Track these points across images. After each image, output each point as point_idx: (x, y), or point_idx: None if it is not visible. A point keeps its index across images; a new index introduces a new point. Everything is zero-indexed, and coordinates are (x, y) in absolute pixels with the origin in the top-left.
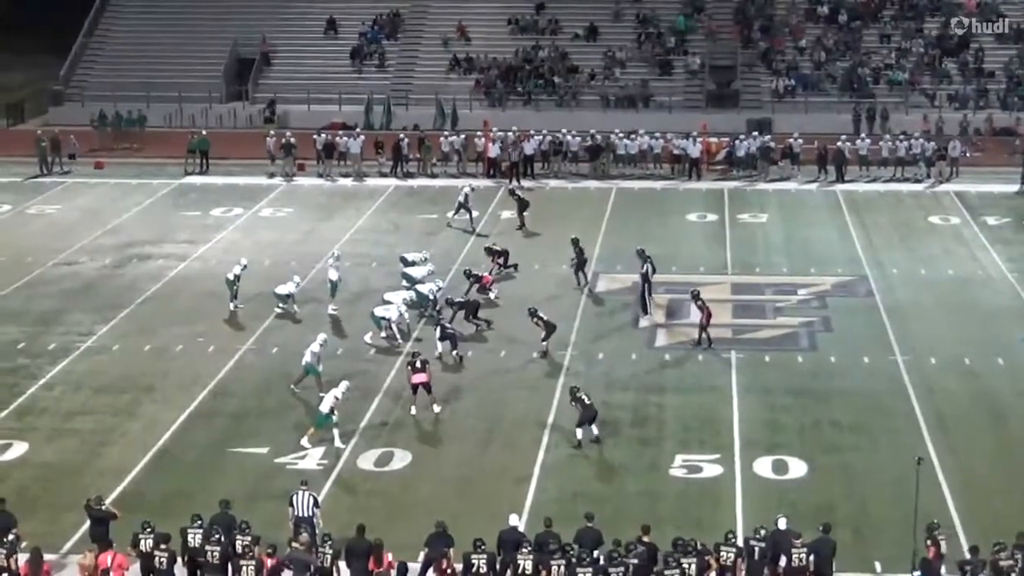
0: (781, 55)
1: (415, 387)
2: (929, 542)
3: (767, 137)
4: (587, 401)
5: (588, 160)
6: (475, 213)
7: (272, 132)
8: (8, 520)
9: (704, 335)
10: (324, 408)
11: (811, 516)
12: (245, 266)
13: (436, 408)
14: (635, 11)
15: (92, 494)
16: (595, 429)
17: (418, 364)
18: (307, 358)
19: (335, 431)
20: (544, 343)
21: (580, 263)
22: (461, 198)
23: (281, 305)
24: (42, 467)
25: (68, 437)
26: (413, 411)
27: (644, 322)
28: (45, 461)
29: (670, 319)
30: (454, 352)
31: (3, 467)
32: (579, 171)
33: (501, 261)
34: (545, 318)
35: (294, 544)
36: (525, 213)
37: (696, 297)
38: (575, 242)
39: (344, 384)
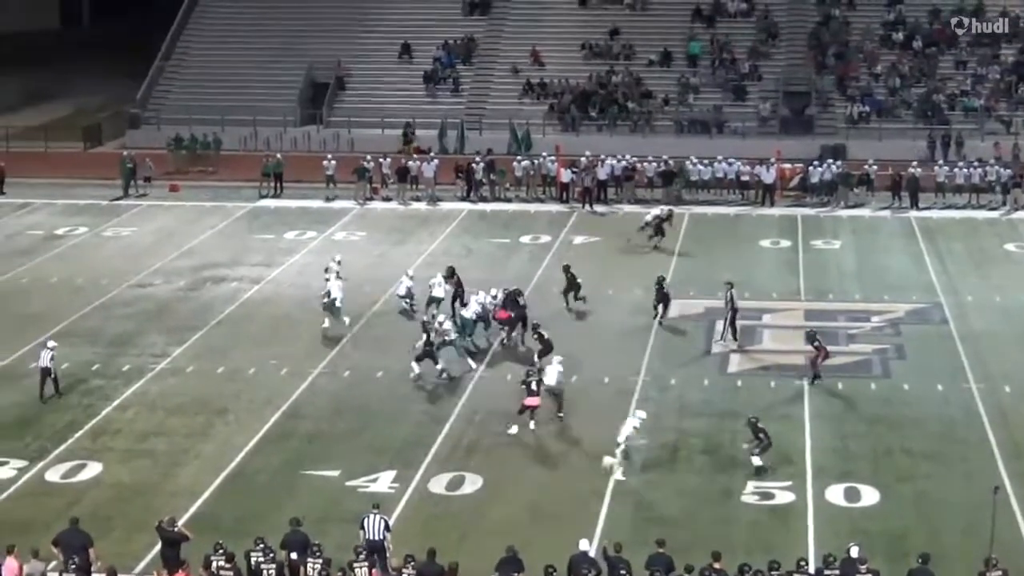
0: (855, 81)
1: (524, 408)
2: None
3: (840, 163)
4: (546, 336)
5: (661, 185)
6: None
7: (330, 155)
8: (84, 539)
9: (814, 371)
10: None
11: (883, 544)
12: (340, 261)
13: (513, 430)
14: (709, 36)
15: (165, 515)
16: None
17: (533, 386)
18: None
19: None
20: (537, 360)
21: (570, 287)
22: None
23: (407, 301)
24: (116, 487)
25: (142, 458)
26: (513, 429)
27: (717, 348)
28: (119, 481)
29: (743, 345)
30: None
31: (78, 487)
32: (653, 196)
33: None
34: (546, 336)
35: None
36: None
37: (812, 338)
38: (566, 269)
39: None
